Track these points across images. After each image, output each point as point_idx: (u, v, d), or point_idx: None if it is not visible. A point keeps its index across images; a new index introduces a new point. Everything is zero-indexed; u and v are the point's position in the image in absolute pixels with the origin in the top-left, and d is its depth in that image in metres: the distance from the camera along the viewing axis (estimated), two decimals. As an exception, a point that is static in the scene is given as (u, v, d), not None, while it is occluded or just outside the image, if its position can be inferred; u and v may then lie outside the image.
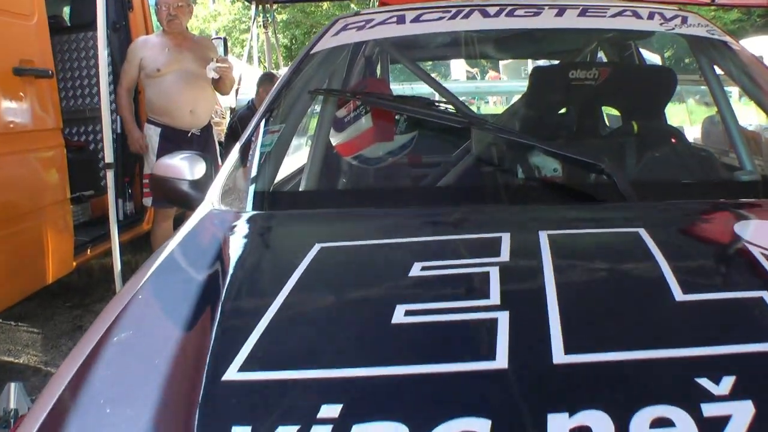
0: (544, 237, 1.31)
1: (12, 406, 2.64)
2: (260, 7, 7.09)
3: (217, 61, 4.12)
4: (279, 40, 9.03)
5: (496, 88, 14.09)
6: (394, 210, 1.64)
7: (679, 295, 1.09)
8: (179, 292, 1.28)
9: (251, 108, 5.39)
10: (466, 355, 0.98)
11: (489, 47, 2.84)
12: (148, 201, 4.30)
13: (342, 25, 2.26)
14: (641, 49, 3.71)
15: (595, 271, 1.28)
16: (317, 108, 2.25)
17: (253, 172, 1.79)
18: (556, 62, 3.92)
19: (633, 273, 1.25)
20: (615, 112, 3.21)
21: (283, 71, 7.68)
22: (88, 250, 4.12)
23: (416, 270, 1.21)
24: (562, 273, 1.16)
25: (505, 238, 1.32)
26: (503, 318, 1.03)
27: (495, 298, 1.10)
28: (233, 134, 5.42)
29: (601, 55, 3.59)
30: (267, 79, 5.58)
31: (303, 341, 1.06)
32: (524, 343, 0.98)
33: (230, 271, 1.33)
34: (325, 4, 20.88)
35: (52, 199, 3.64)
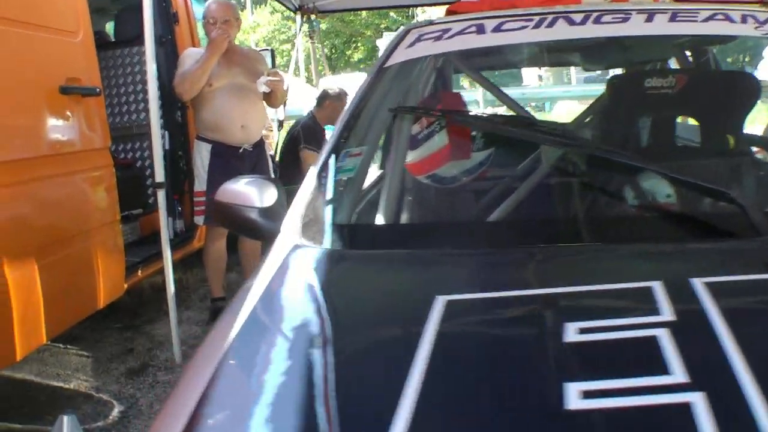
0: (699, 287, 1.11)
1: (65, 439, 2.52)
2: (304, 17, 7.05)
3: (267, 74, 3.99)
4: (322, 49, 8.97)
5: (541, 94, 13.87)
6: (508, 249, 1.44)
7: None
8: (278, 360, 1.09)
9: (313, 118, 5.39)
10: None
11: (573, 56, 2.66)
12: (199, 219, 4.16)
13: (416, 35, 2.09)
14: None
15: None
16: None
17: (337, 201, 1.61)
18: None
19: None
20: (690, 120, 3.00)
21: (326, 80, 7.63)
22: (139, 272, 4.01)
23: (571, 334, 1.00)
24: (740, 335, 0.96)
25: (657, 289, 1.11)
26: (700, 402, 0.83)
27: (678, 373, 0.89)
28: (294, 144, 5.39)
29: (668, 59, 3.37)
30: (333, 92, 5.57)
31: None
32: None
33: (336, 333, 1.13)
34: (363, 13, 20.88)
35: (101, 221, 3.53)
